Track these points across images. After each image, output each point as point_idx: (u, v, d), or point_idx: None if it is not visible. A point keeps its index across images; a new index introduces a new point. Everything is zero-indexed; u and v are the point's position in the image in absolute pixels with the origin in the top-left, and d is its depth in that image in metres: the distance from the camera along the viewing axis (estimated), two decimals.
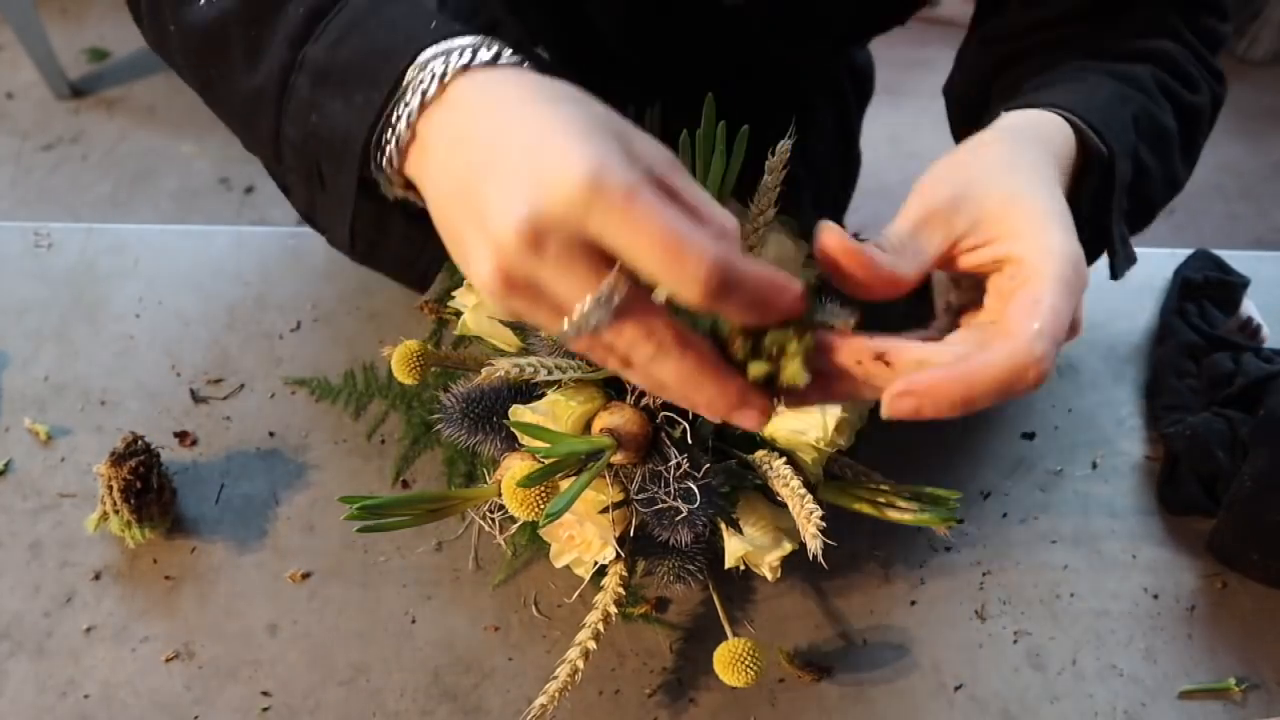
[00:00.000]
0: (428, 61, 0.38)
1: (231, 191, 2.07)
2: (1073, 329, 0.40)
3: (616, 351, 0.36)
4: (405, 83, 0.39)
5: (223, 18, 0.45)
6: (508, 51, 0.39)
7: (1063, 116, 0.49)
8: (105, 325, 0.72)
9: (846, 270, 0.38)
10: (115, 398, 0.68)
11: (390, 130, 0.39)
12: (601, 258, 0.33)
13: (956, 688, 0.60)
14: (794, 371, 0.36)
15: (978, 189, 0.42)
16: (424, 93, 0.38)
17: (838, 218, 0.98)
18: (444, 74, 0.38)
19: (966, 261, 0.41)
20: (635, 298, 0.34)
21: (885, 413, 0.37)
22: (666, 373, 0.36)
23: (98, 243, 0.76)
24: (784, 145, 0.55)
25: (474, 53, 0.38)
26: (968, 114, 0.67)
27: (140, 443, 0.60)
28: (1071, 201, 0.44)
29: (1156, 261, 0.80)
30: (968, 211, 0.41)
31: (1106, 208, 0.51)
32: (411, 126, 0.38)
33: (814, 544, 0.48)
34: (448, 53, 0.38)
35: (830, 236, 0.38)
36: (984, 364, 0.36)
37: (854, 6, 0.65)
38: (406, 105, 0.38)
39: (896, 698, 0.59)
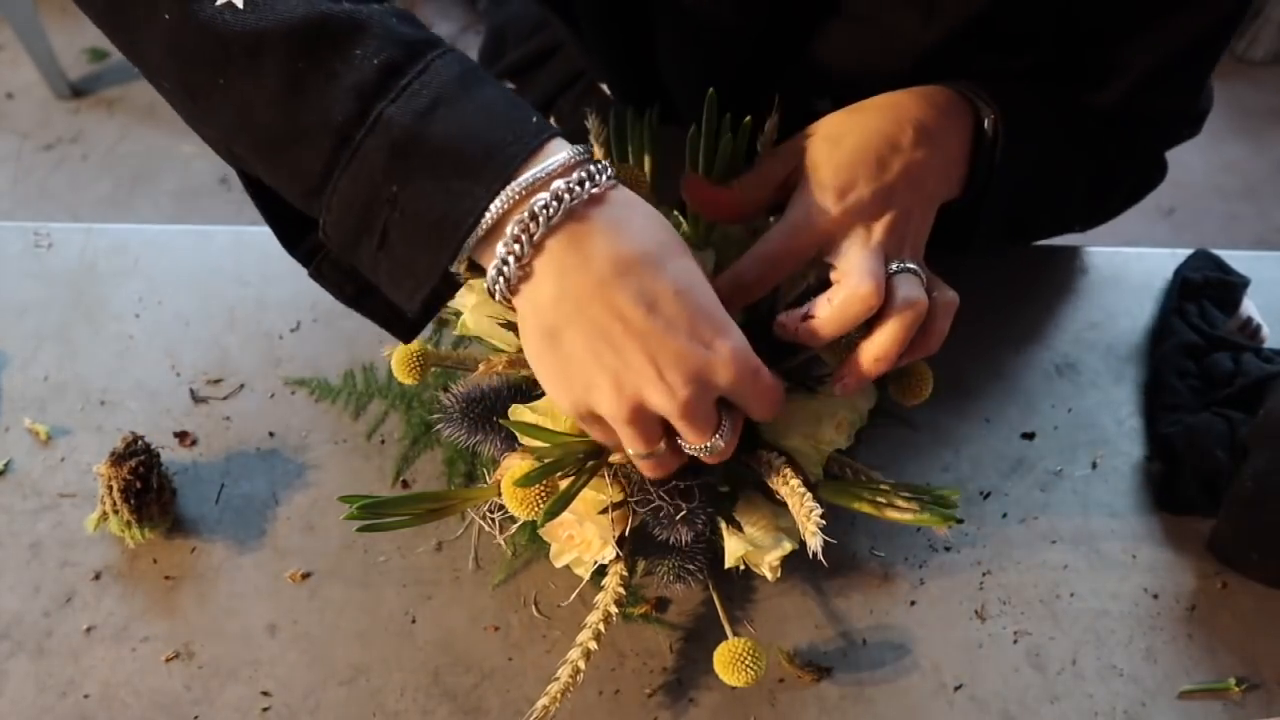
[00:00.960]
0: (541, 183, 0.42)
1: (231, 191, 2.07)
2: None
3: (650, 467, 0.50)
4: (517, 192, 0.41)
5: (258, 34, 0.41)
6: (607, 174, 0.44)
7: (970, 97, 0.56)
8: (105, 325, 0.72)
9: (697, 205, 0.55)
10: (115, 398, 0.68)
11: (503, 237, 0.42)
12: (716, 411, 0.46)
13: (956, 688, 0.60)
14: None
15: (805, 139, 0.54)
16: (547, 220, 0.42)
17: None
18: (562, 208, 0.42)
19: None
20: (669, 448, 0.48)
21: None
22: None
23: (98, 243, 0.76)
24: (771, 122, 0.55)
25: (587, 179, 0.42)
26: None
27: (140, 443, 0.60)
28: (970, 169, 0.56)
29: (1156, 261, 0.80)
30: (794, 155, 0.54)
31: (983, 195, 0.58)
32: (535, 248, 0.42)
33: (814, 542, 0.48)
34: (566, 176, 0.42)
35: (689, 181, 0.55)
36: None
37: None
38: (525, 232, 0.42)
39: (896, 698, 0.59)
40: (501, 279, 0.43)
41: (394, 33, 0.42)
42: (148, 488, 0.59)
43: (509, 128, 0.42)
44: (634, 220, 0.43)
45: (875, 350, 0.51)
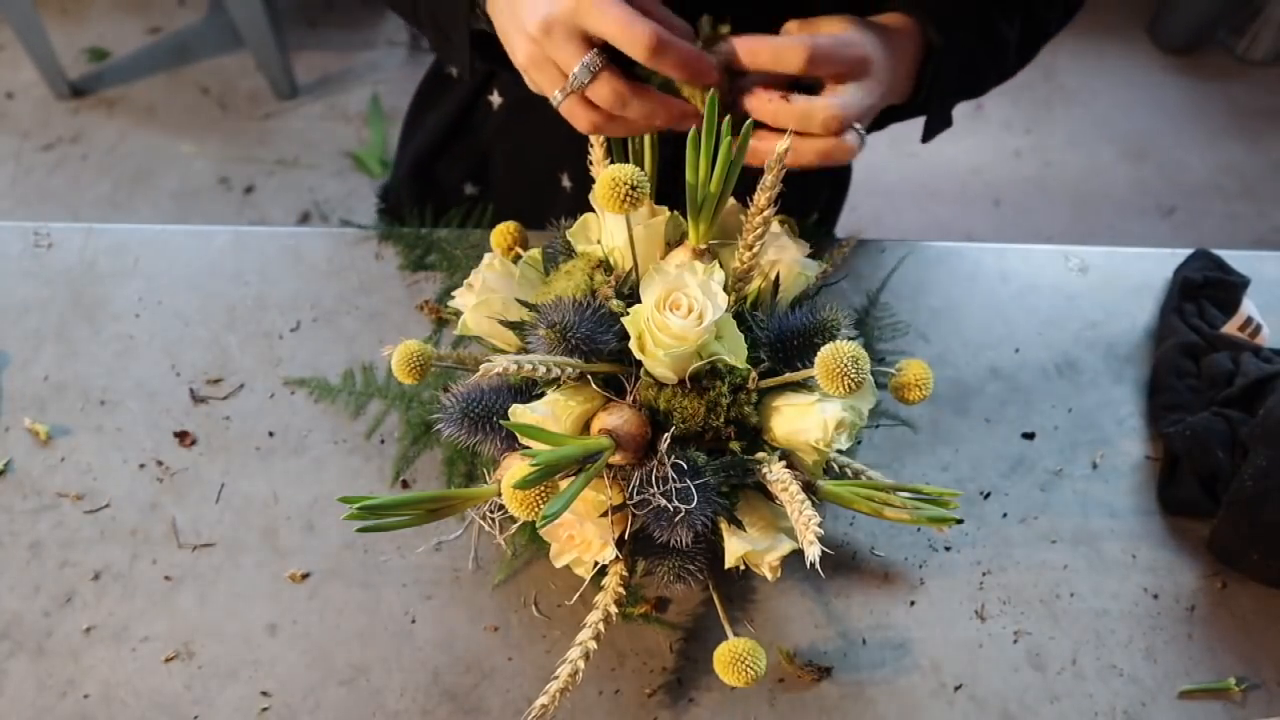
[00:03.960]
0: None
1: (231, 191, 2.07)
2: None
3: (598, 103, 0.55)
4: None
5: None
6: None
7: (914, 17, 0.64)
8: (105, 325, 0.72)
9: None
10: (115, 398, 0.68)
11: None
12: (588, 42, 0.53)
13: (956, 688, 0.60)
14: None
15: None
16: None
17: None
18: None
19: None
20: (606, 67, 0.54)
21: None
22: (633, 111, 0.55)
23: (98, 243, 0.76)
24: (782, 146, 0.55)
25: None
26: None
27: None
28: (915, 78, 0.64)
29: (1156, 261, 0.80)
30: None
31: (935, 83, 0.65)
32: None
33: (811, 552, 0.48)
34: None
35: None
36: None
37: None
38: None
39: (896, 698, 0.59)
40: None
41: None
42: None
43: None
44: None
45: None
